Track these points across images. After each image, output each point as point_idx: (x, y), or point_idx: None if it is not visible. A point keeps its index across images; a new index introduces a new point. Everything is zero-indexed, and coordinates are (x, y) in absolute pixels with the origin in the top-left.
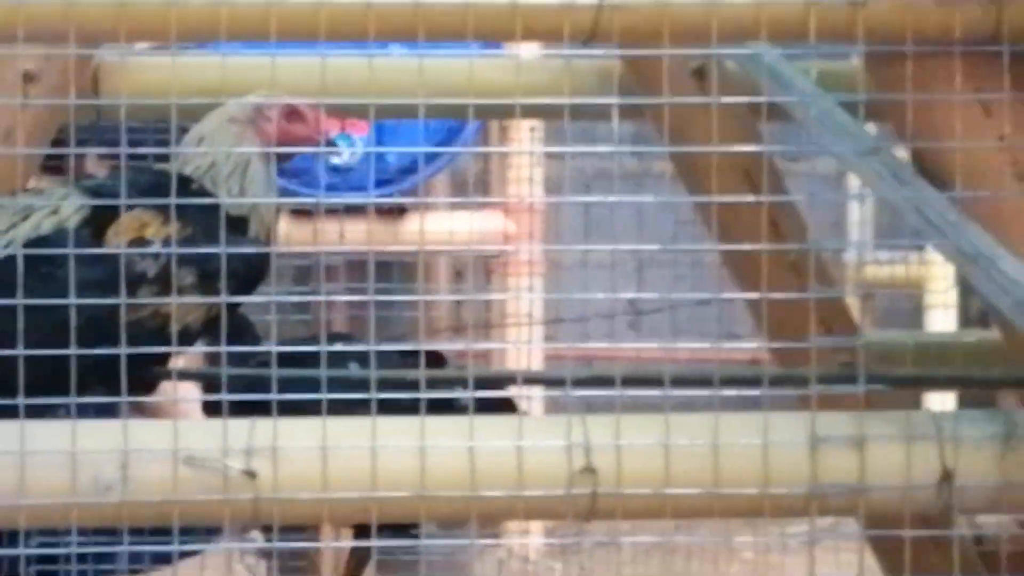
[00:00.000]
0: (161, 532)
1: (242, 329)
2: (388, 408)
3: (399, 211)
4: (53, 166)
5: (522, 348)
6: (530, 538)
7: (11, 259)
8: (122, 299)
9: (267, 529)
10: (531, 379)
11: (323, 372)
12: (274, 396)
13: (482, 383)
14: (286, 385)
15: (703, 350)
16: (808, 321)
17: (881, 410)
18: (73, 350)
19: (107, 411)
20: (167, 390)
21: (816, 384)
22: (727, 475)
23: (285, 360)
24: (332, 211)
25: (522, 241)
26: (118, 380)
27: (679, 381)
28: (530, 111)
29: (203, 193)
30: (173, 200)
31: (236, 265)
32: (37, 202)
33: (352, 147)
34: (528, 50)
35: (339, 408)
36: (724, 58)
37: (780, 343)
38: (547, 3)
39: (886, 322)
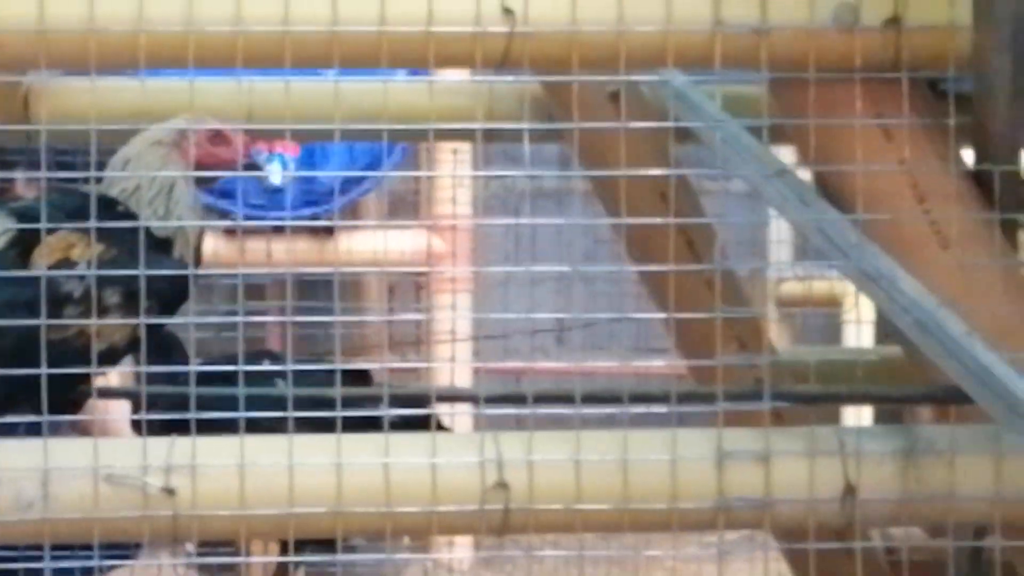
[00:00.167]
0: (87, 548)
1: (170, 347)
2: (318, 425)
3: (327, 231)
4: None
5: (445, 366)
6: (458, 550)
7: None
8: (43, 320)
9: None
10: (445, 396)
11: (240, 391)
12: (192, 415)
13: (398, 401)
14: (216, 403)
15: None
16: (727, 339)
17: (796, 426)
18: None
19: (37, 429)
20: (98, 408)
21: (723, 401)
22: (636, 490)
23: (217, 378)
24: (260, 231)
25: (446, 260)
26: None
27: (590, 398)
28: (445, 134)
29: (129, 215)
30: (93, 223)
31: (160, 285)
32: None
33: (285, 168)
34: (458, 76)
35: (271, 426)
36: (638, 83)
37: (694, 360)
38: (460, 30)
39: (805, 338)
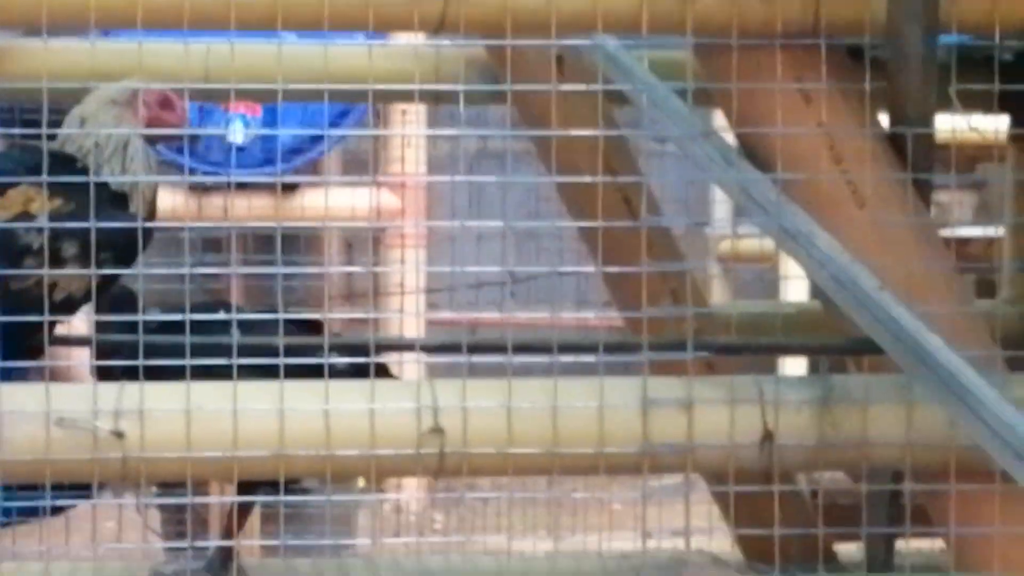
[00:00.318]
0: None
1: (124, 298)
2: (271, 372)
3: (289, 187)
4: None
5: (395, 317)
6: (411, 492)
7: None
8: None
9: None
10: (385, 345)
11: (187, 339)
12: (141, 362)
13: (341, 349)
14: (171, 351)
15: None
16: (660, 292)
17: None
18: None
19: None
20: (61, 355)
21: (648, 351)
22: (566, 435)
23: (176, 327)
24: (222, 187)
25: (400, 217)
26: (8, 346)
27: (523, 348)
28: (387, 96)
29: (87, 171)
30: (44, 177)
31: (116, 238)
32: None
33: (248, 127)
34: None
35: (226, 373)
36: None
37: (629, 312)
38: None
39: (743, 293)
